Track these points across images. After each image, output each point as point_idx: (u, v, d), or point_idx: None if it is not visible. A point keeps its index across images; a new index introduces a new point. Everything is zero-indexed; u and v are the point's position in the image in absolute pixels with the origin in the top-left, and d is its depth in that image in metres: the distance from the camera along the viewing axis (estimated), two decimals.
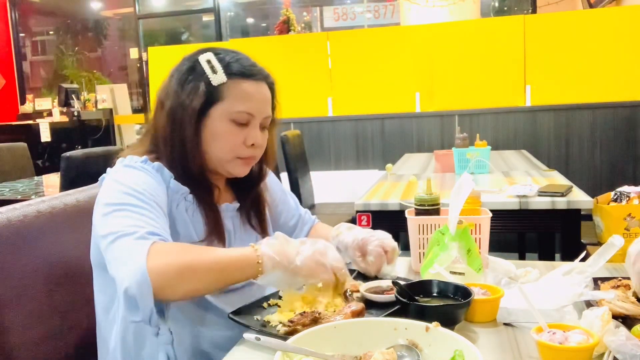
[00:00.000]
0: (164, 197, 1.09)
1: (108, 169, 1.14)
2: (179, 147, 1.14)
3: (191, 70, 1.15)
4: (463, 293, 1.00)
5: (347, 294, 1.08)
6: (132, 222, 0.98)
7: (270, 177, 1.38)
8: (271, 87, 1.21)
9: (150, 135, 1.19)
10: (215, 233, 1.16)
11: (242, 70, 1.15)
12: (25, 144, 3.95)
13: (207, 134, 1.14)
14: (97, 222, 1.04)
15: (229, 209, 1.24)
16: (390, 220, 2.16)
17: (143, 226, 0.98)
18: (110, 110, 6.54)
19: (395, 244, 1.26)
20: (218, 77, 1.13)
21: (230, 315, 1.05)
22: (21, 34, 8.08)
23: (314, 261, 1.00)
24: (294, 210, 1.44)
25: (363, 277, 1.24)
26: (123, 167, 1.11)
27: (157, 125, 1.17)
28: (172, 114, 1.14)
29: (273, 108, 1.24)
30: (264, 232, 1.29)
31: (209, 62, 1.14)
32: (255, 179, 1.28)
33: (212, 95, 1.13)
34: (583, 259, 1.16)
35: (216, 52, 1.17)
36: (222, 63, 1.14)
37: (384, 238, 1.25)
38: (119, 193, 1.04)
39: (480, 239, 1.29)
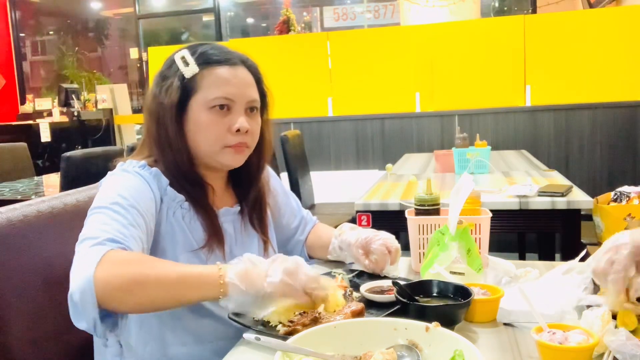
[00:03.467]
0: (151, 205, 1.08)
1: (108, 172, 1.14)
2: (167, 146, 1.14)
3: (168, 69, 1.16)
4: (463, 293, 1.00)
5: (347, 294, 1.08)
6: (99, 225, 0.97)
7: (272, 179, 1.37)
8: (252, 70, 1.19)
9: (146, 140, 1.19)
10: (214, 238, 1.15)
11: (214, 58, 1.14)
12: (25, 144, 3.95)
13: (190, 127, 1.13)
14: None
15: (229, 212, 1.22)
16: (390, 220, 2.16)
17: (108, 231, 0.95)
18: (110, 110, 6.54)
19: (398, 244, 1.26)
20: (190, 69, 1.12)
21: (230, 316, 1.04)
22: (21, 34, 8.09)
23: (284, 284, 0.94)
24: (297, 211, 1.44)
25: (368, 276, 1.24)
26: (120, 171, 1.12)
27: (146, 128, 1.18)
28: (155, 115, 1.14)
29: (263, 94, 1.21)
30: (265, 235, 1.28)
31: (182, 58, 1.14)
32: (253, 172, 1.26)
33: (187, 88, 1.12)
34: (583, 258, 1.16)
35: (192, 47, 1.17)
36: (194, 55, 1.14)
37: (387, 238, 1.25)
38: (104, 196, 1.04)
39: (480, 239, 1.29)
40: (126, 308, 0.94)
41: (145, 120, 1.19)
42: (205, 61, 1.13)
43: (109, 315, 0.93)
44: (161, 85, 1.14)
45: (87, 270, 0.88)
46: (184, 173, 1.14)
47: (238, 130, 1.13)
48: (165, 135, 1.13)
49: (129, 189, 1.06)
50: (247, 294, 0.94)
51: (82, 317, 0.88)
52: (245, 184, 1.26)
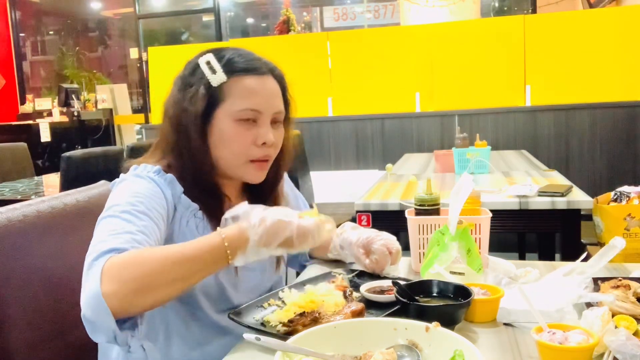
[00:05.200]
0: (163, 212, 1.05)
1: (121, 175, 1.11)
2: (186, 155, 1.10)
3: (192, 74, 1.11)
4: (463, 293, 1.00)
5: (347, 294, 1.08)
6: (104, 236, 0.93)
7: (285, 183, 1.34)
8: (279, 80, 1.15)
9: (161, 145, 1.16)
10: None
11: (242, 66, 1.10)
12: (25, 144, 3.95)
13: (215, 138, 1.10)
14: None
15: None
16: (390, 220, 2.15)
17: (110, 242, 0.91)
18: (110, 110, 6.55)
19: (399, 246, 1.25)
20: (217, 77, 1.08)
21: (231, 315, 1.05)
22: (21, 34, 8.09)
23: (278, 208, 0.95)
24: None
25: (369, 276, 1.24)
26: (133, 176, 1.08)
27: (164, 134, 1.14)
28: (176, 122, 1.10)
29: (287, 103, 1.18)
30: None
31: (208, 63, 1.10)
32: (270, 183, 1.22)
33: (214, 97, 1.09)
34: (584, 260, 1.16)
35: (217, 52, 1.13)
36: (221, 62, 1.10)
37: (388, 238, 1.25)
38: (114, 203, 1.01)
39: (480, 239, 1.29)
40: (142, 309, 0.90)
41: (163, 125, 1.14)
42: (233, 69, 1.10)
43: (126, 320, 0.89)
44: (185, 92, 1.10)
45: (93, 288, 0.85)
46: (200, 182, 1.11)
47: (264, 143, 1.11)
48: (187, 143, 1.10)
49: (140, 196, 1.02)
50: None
51: (100, 332, 0.85)
52: (262, 193, 1.22)
